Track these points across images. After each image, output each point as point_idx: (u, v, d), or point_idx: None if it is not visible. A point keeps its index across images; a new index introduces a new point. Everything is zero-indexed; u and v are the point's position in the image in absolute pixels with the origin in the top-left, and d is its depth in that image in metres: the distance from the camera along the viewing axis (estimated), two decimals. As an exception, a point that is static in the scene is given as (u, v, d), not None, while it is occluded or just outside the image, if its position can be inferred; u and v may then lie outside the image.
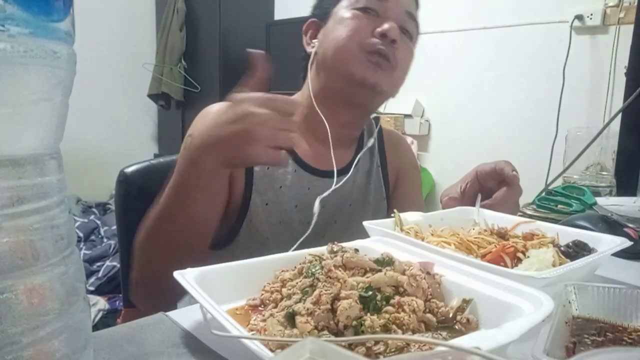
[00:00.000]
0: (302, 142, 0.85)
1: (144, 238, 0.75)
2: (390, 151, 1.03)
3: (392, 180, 1.04)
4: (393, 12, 0.85)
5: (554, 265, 0.57)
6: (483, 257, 0.61)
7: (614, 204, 0.99)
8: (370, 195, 0.97)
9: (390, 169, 1.03)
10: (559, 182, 1.21)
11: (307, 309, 0.43)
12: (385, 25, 0.82)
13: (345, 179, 0.89)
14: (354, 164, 0.93)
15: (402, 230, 0.70)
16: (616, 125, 1.47)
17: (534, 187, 1.11)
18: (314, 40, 0.91)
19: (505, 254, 0.59)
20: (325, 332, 0.43)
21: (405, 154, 1.09)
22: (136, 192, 0.92)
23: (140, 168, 1.00)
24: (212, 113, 0.83)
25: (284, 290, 0.50)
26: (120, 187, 0.98)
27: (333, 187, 0.85)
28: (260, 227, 0.84)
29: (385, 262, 0.54)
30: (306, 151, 0.89)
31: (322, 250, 0.57)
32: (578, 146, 1.20)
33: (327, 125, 0.88)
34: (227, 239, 0.85)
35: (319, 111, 0.88)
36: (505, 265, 0.57)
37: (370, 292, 0.46)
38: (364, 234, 0.67)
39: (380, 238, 0.65)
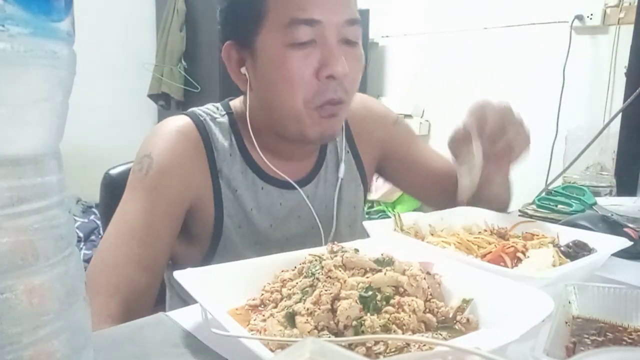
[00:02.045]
0: None
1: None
2: (357, 130, 0.92)
3: (373, 160, 0.95)
4: (332, 32, 0.70)
5: (554, 266, 0.57)
6: (483, 257, 0.61)
7: (614, 204, 0.99)
8: (344, 188, 0.89)
9: (365, 149, 0.93)
10: (559, 182, 1.21)
11: (307, 309, 0.43)
12: (330, 69, 0.70)
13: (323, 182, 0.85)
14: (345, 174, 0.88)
15: (402, 230, 0.70)
16: (616, 125, 1.47)
17: (534, 187, 1.11)
18: (242, 70, 0.77)
19: (505, 254, 0.59)
20: (325, 332, 0.43)
21: (377, 124, 0.94)
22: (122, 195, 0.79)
23: (127, 169, 0.88)
24: (171, 131, 0.77)
25: (284, 290, 0.50)
26: (106, 191, 0.92)
27: (322, 244, 0.75)
28: (236, 250, 0.79)
29: (385, 262, 0.54)
30: (270, 165, 0.81)
31: (322, 250, 0.57)
32: (578, 146, 1.20)
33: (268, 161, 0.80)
34: (202, 265, 0.81)
35: (260, 154, 0.79)
36: (505, 265, 0.57)
37: (370, 292, 0.46)
38: (351, 234, 0.67)
39: (380, 238, 0.65)
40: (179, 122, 0.79)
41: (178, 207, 0.75)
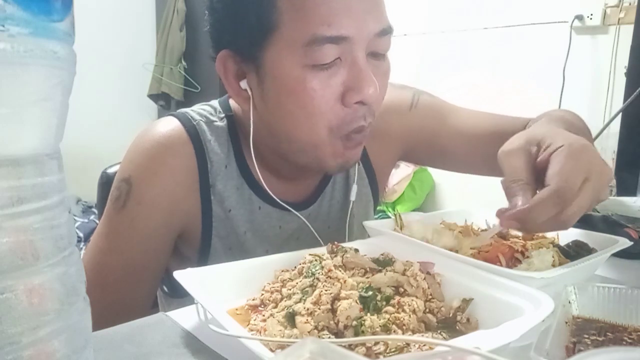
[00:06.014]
0: None
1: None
2: (369, 139, 0.73)
3: (388, 166, 0.87)
4: (360, 47, 0.59)
5: (554, 266, 0.57)
6: (480, 252, 0.61)
7: (614, 204, 0.98)
8: (354, 208, 0.79)
9: (379, 159, 0.83)
10: (559, 182, 1.21)
11: (307, 309, 0.44)
12: (360, 94, 0.59)
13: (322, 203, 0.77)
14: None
15: (402, 230, 0.70)
16: (616, 125, 1.47)
17: (534, 187, 1.11)
18: (242, 85, 0.64)
19: (502, 254, 0.59)
20: (325, 332, 0.43)
21: (390, 119, 0.80)
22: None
23: None
24: (157, 145, 0.66)
25: (284, 290, 0.50)
26: (103, 190, 0.85)
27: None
28: None
29: (385, 262, 0.54)
30: (271, 183, 0.71)
31: (322, 250, 0.57)
32: (578, 146, 1.20)
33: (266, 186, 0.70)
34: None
35: (260, 178, 0.69)
36: (501, 265, 0.57)
37: (370, 292, 0.46)
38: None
39: (380, 238, 0.65)
40: (167, 129, 0.68)
41: (161, 240, 0.67)
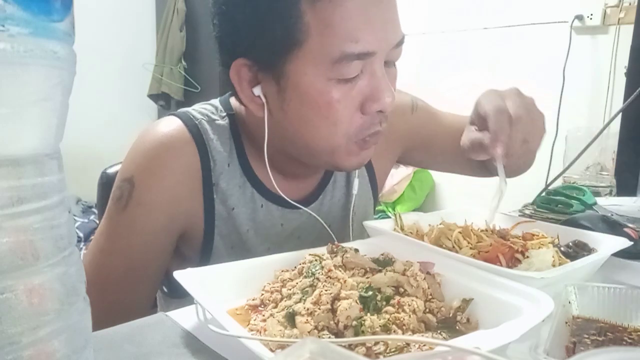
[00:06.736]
0: None
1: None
2: None
3: (388, 166, 0.90)
4: (380, 60, 0.61)
5: (554, 266, 0.57)
6: (479, 252, 0.61)
7: (614, 204, 0.99)
8: (351, 205, 0.80)
9: (379, 158, 0.84)
10: (559, 182, 1.21)
11: (307, 309, 0.44)
12: (380, 103, 0.61)
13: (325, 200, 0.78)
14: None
15: (402, 230, 0.70)
16: (616, 125, 1.47)
17: (534, 187, 1.11)
18: (255, 91, 0.63)
19: (502, 254, 0.59)
20: (325, 332, 0.43)
21: (394, 120, 0.78)
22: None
23: None
24: (159, 145, 0.66)
25: (284, 290, 0.50)
26: (103, 190, 0.85)
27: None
28: None
29: (385, 262, 0.54)
30: (274, 181, 0.70)
31: (322, 250, 0.57)
32: (578, 146, 1.20)
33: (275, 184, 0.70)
34: None
35: (271, 177, 0.69)
36: (501, 265, 0.57)
37: (370, 292, 0.46)
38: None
39: (380, 238, 0.65)
40: (169, 129, 0.68)
41: (163, 240, 0.68)
